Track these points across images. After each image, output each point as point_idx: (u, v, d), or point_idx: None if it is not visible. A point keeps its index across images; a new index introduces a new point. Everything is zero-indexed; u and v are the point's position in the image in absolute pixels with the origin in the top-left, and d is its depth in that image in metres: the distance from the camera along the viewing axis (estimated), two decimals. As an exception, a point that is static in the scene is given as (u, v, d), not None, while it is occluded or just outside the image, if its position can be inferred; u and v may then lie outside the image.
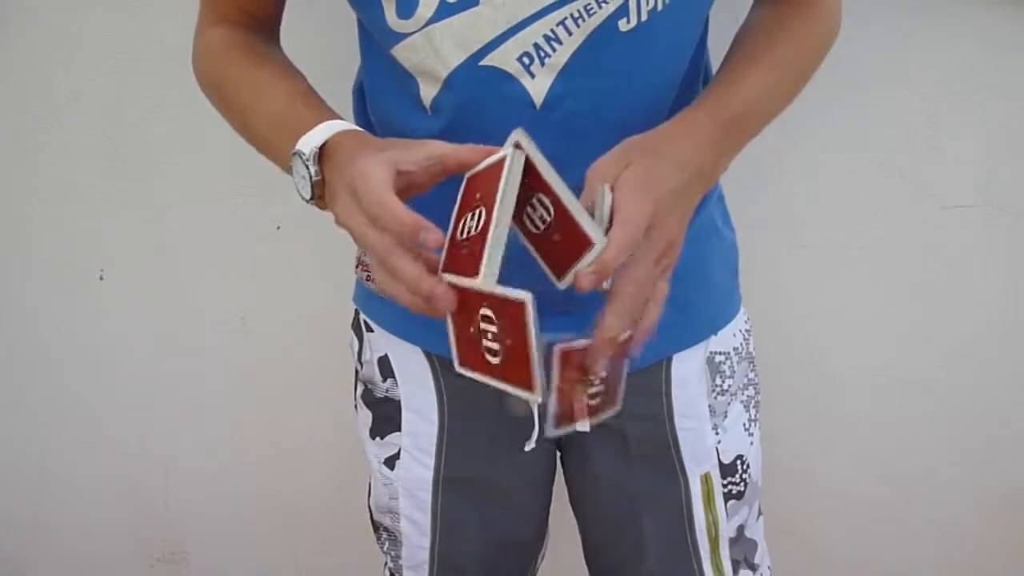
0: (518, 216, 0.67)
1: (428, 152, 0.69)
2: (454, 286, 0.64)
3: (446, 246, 0.67)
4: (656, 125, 0.78)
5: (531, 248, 0.69)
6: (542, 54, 0.76)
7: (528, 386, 0.63)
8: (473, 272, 0.62)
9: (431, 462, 0.98)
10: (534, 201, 0.67)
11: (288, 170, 0.78)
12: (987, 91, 1.22)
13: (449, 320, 0.67)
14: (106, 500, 1.59)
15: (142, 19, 1.30)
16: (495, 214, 0.62)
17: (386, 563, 1.08)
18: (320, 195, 0.74)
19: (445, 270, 0.66)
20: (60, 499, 1.60)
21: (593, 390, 0.70)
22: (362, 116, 0.95)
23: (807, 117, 1.23)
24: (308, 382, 1.47)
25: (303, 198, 0.76)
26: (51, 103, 1.36)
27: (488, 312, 0.63)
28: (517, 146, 0.65)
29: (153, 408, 1.52)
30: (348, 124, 0.76)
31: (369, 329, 1.01)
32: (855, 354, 1.38)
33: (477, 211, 0.65)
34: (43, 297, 1.47)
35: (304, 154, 0.73)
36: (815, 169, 1.29)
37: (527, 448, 0.97)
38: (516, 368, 0.63)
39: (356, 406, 1.06)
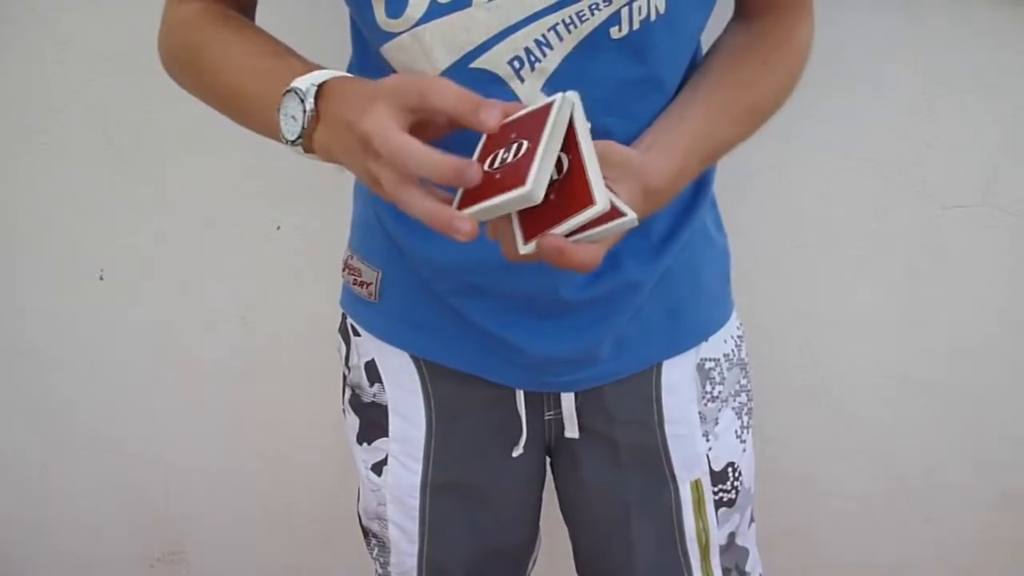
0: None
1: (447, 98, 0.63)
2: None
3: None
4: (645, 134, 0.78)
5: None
6: (532, 59, 0.75)
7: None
8: (520, 182, 0.60)
9: (419, 468, 0.97)
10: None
11: (264, 129, 0.76)
12: (987, 91, 1.22)
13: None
14: (106, 500, 1.60)
15: (142, 19, 1.29)
16: (544, 138, 0.61)
17: (376, 569, 1.07)
18: (310, 136, 0.71)
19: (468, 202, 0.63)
20: (60, 499, 1.61)
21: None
22: None
23: (807, 117, 1.22)
24: (308, 382, 1.47)
25: (286, 140, 0.72)
26: (51, 103, 1.36)
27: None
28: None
29: (153, 408, 1.53)
30: (346, 74, 0.73)
31: (356, 333, 1.00)
32: (855, 354, 1.38)
33: (514, 145, 0.63)
34: (43, 297, 1.47)
35: (301, 90, 0.70)
36: (815, 169, 1.29)
37: (515, 454, 0.97)
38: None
39: (344, 411, 1.05)
